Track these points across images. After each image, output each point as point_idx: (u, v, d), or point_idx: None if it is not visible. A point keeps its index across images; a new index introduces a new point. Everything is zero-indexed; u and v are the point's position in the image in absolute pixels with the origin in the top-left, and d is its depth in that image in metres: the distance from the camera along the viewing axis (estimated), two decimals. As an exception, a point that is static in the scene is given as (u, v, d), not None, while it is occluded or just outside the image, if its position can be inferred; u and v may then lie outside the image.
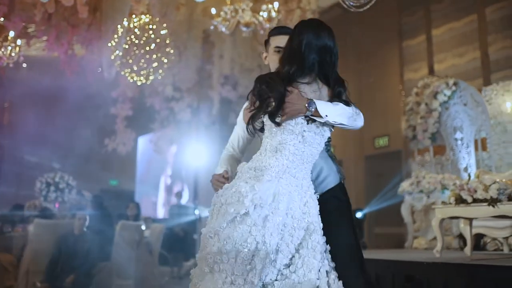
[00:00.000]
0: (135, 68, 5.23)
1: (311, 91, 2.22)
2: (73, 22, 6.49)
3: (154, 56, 5.20)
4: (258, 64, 7.91)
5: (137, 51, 5.17)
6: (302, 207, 2.16)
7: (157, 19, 5.47)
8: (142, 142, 12.52)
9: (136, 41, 5.12)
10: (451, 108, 7.39)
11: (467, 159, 7.20)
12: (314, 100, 2.16)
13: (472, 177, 5.01)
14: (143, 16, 5.36)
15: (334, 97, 2.26)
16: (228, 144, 2.72)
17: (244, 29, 5.55)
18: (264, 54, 2.65)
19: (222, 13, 5.69)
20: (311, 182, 2.26)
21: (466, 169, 7.15)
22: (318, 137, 2.22)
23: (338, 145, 11.42)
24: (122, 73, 5.43)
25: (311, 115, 2.16)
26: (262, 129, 2.29)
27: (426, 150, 7.83)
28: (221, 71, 8.06)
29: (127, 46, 5.19)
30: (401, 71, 10.55)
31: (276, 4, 5.56)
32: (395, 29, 10.72)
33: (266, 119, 2.22)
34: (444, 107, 7.41)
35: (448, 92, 7.34)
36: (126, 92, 8.18)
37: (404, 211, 7.35)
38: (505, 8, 8.97)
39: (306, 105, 2.14)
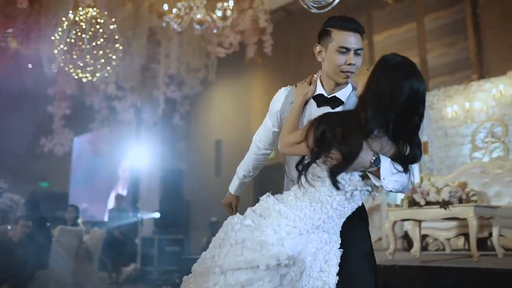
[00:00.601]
0: (81, 64, 4.92)
1: (380, 144, 1.86)
2: (9, 13, 6.04)
3: (101, 52, 4.92)
4: (205, 64, 7.75)
5: (83, 46, 4.86)
6: (322, 265, 1.94)
7: (106, 13, 5.19)
8: (79, 142, 11.98)
9: (82, 36, 4.82)
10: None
11: (410, 162, 7.39)
12: (381, 156, 1.81)
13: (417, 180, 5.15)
14: (90, 9, 5.05)
15: (403, 159, 1.86)
16: (256, 137, 2.45)
17: (197, 27, 5.38)
18: (318, 48, 2.17)
19: (175, 9, 5.49)
20: (339, 237, 2.00)
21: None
22: (363, 194, 1.92)
23: (277, 148, 11.50)
24: (66, 69, 5.10)
25: (369, 172, 1.83)
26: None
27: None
28: (167, 70, 7.80)
29: (72, 40, 4.87)
30: (345, 77, 10.73)
31: (231, 3, 5.44)
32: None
33: (319, 169, 1.88)
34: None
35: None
36: (64, 89, 7.73)
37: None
38: (443, 17, 9.36)
39: (372, 159, 1.79)
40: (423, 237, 6.18)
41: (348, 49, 2.07)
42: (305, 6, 3.94)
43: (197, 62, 7.37)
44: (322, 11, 3.95)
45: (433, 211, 4.51)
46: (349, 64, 2.06)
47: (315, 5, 3.87)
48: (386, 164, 1.79)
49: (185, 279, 2.01)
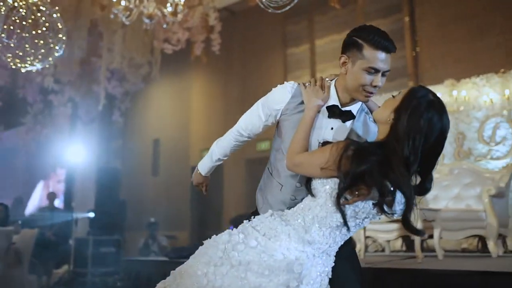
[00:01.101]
0: (20, 53, 4.59)
1: None
2: None
3: (42, 42, 4.62)
4: (148, 60, 7.55)
5: (22, 34, 4.54)
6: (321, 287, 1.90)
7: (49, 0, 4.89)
8: (8, 136, 11.30)
9: (22, 23, 4.50)
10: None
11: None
12: None
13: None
14: (30, -5, 4.76)
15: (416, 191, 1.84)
16: (240, 124, 2.30)
17: (146, 21, 5.20)
18: (344, 59, 2.03)
19: (124, 1, 5.28)
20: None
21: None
22: (370, 219, 1.91)
23: (219, 147, 11.43)
24: (4, 58, 4.74)
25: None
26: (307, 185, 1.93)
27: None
28: (109, 64, 7.52)
29: (11, 27, 4.53)
30: (285, 78, 10.83)
31: (182, -2, 5.34)
32: (280, 36, 10.99)
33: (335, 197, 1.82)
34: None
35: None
36: (-6, 80, 7.24)
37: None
38: (382, 26, 9.56)
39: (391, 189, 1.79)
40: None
41: (377, 71, 1.95)
42: (262, 6, 3.90)
43: (140, 58, 7.15)
44: (279, 11, 3.93)
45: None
46: (375, 86, 1.97)
47: (272, 5, 3.83)
48: (398, 193, 1.78)
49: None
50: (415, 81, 8.97)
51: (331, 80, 2.13)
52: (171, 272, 2.06)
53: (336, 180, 1.80)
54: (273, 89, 2.19)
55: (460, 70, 8.28)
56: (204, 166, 2.49)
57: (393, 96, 1.87)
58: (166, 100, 12.15)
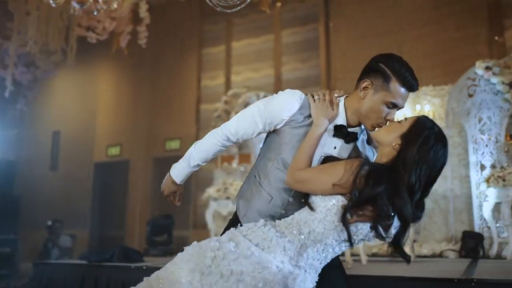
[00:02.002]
0: None
1: None
2: None
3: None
4: (62, 48, 7.02)
5: None
6: None
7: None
8: None
9: None
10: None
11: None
12: None
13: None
14: None
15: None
16: (229, 128, 2.12)
17: (76, 5, 4.79)
18: (366, 84, 1.94)
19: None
20: None
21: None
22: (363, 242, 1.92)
23: (125, 144, 11.00)
24: None
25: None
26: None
27: (230, 158, 8.02)
28: (17, 48, 6.83)
29: None
30: (199, 77, 10.70)
31: (118, -14, 5.01)
32: (197, 35, 10.83)
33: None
34: (252, 118, 7.74)
35: (258, 104, 7.69)
36: None
37: (209, 217, 7.41)
38: (299, 33, 9.93)
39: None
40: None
41: (396, 106, 1.92)
42: (211, 4, 3.78)
43: (53, 44, 6.60)
44: (228, 11, 3.84)
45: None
46: (388, 120, 1.92)
47: (221, 3, 3.74)
48: (395, 218, 1.80)
49: None
50: (328, 90, 9.30)
51: (339, 97, 2.05)
52: (145, 278, 1.94)
53: (340, 197, 1.77)
54: (277, 96, 2.06)
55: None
56: (179, 173, 2.25)
57: (399, 121, 1.88)
58: (73, 90, 11.46)
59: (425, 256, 6.12)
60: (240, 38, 10.49)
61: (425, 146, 1.78)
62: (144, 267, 4.70)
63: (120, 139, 11.10)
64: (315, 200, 1.83)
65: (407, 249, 5.29)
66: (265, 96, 7.86)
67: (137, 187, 10.70)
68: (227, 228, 2.16)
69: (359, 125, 2.03)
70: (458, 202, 6.51)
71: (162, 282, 1.83)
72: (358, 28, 9.31)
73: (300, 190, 1.89)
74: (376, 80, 1.91)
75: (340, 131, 2.00)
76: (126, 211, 10.67)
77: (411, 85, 1.90)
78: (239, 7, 3.81)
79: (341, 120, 2.00)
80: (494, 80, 6.20)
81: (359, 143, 2.07)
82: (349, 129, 2.01)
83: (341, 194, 1.77)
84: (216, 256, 1.76)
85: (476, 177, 6.20)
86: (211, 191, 7.35)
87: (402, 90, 1.89)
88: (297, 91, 2.05)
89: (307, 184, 1.84)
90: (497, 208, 5.86)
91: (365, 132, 2.09)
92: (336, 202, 1.78)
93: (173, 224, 6.80)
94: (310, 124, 1.97)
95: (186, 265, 1.80)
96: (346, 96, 2.06)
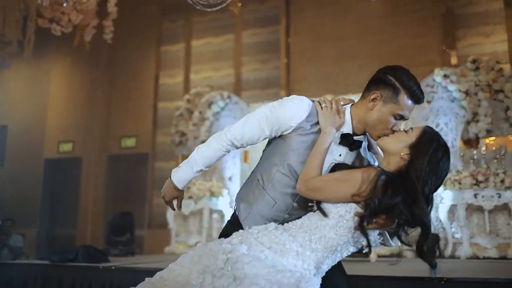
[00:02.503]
0: None
1: None
2: None
3: None
4: (19, 39, 6.74)
5: None
6: None
7: None
8: None
9: None
10: (222, 119, 7.77)
11: (233, 169, 7.66)
12: None
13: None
14: None
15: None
16: (234, 133, 2.09)
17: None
18: (375, 96, 1.97)
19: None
20: None
21: (230, 178, 7.60)
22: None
23: (78, 141, 10.70)
24: None
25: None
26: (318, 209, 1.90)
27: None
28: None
29: None
30: (157, 75, 10.56)
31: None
32: (156, 32, 10.69)
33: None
34: (216, 117, 7.73)
35: (222, 104, 7.71)
36: None
37: (170, 217, 7.33)
38: (260, 34, 9.99)
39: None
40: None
41: (402, 118, 1.97)
42: (191, 2, 3.76)
43: (12, 35, 6.30)
44: (208, 9, 3.83)
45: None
46: (394, 130, 1.97)
47: (201, 2, 3.72)
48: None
49: None
50: (286, 92, 9.43)
51: (344, 105, 2.07)
52: (147, 279, 1.92)
53: (352, 205, 1.81)
54: (284, 102, 2.05)
55: (329, 86, 8.94)
56: (181, 178, 2.18)
57: (405, 131, 1.94)
58: (26, 84, 11.01)
59: (384, 256, 6.32)
60: (200, 36, 10.44)
61: (435, 158, 1.85)
62: (113, 267, 4.61)
63: (73, 136, 10.78)
64: (326, 206, 1.86)
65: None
66: (229, 97, 7.95)
67: (90, 185, 10.42)
68: (228, 229, 2.15)
69: (363, 133, 2.07)
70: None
71: (168, 283, 1.82)
72: (318, 31, 9.48)
73: (312, 198, 1.90)
74: (385, 92, 1.95)
75: (346, 139, 2.03)
76: (78, 209, 10.36)
77: (419, 98, 1.97)
78: (220, 6, 3.79)
79: (347, 128, 2.04)
80: (451, 87, 6.50)
81: (361, 150, 2.12)
82: (355, 138, 2.05)
83: (355, 202, 1.81)
84: (229, 258, 1.76)
85: (433, 179, 6.46)
86: (173, 190, 7.24)
87: (410, 102, 1.95)
88: (305, 98, 2.06)
89: (321, 192, 1.86)
90: (452, 210, 6.13)
91: (365, 138, 2.14)
92: (349, 209, 1.82)
93: (134, 223, 6.69)
94: (318, 132, 1.99)
95: (195, 267, 1.79)
96: (352, 105, 2.09)
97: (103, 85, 10.66)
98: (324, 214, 1.84)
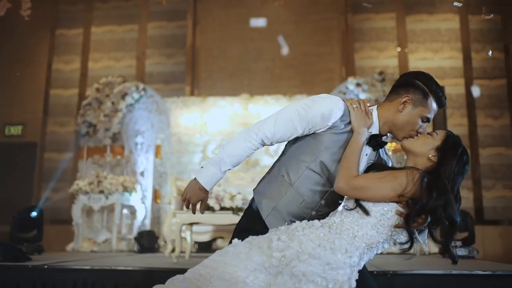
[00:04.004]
0: None
1: None
2: None
3: None
4: None
5: None
6: None
7: None
8: None
9: None
10: (135, 111, 7.51)
11: (145, 163, 7.45)
12: None
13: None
14: None
15: None
16: (265, 132, 2.07)
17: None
18: (406, 99, 2.06)
19: None
20: None
21: (143, 173, 7.38)
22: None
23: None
24: None
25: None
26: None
27: (101, 150, 7.52)
28: None
29: None
30: (50, 60, 9.83)
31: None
32: (51, 13, 9.93)
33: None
34: (129, 109, 7.45)
35: (136, 96, 7.45)
36: None
37: (76, 212, 6.89)
38: (166, 28, 9.82)
39: None
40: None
41: (428, 121, 2.09)
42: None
43: None
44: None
45: (229, 217, 4.78)
46: (418, 132, 2.08)
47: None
48: None
49: None
50: (191, 88, 9.40)
51: (371, 106, 2.15)
52: (179, 276, 1.87)
53: (393, 204, 1.90)
54: (318, 101, 2.08)
55: (233, 85, 9.08)
56: (208, 179, 2.10)
57: (430, 134, 2.08)
58: None
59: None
60: (100, 23, 9.94)
61: (462, 161, 2.00)
62: (46, 266, 4.25)
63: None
64: (366, 205, 1.93)
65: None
66: (144, 89, 7.70)
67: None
68: (246, 226, 2.16)
69: (386, 134, 2.16)
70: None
71: (214, 281, 1.79)
72: (225, 31, 9.60)
73: (354, 196, 1.94)
74: (415, 95, 2.05)
75: (375, 140, 2.11)
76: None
77: (443, 103, 2.11)
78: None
79: (374, 129, 2.11)
80: (362, 96, 7.04)
81: (380, 150, 2.23)
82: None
83: (397, 202, 1.92)
84: (285, 256, 1.77)
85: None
86: (81, 183, 6.84)
87: (436, 106, 2.08)
88: (338, 98, 2.13)
89: (366, 191, 1.91)
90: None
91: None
92: (391, 208, 1.91)
93: (42, 217, 6.20)
94: (350, 131, 2.05)
95: (244, 264, 1.79)
96: (377, 106, 2.18)
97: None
98: (366, 212, 1.90)
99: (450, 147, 2.02)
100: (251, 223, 2.15)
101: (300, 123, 2.05)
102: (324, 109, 2.04)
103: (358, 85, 6.96)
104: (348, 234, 1.88)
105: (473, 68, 8.90)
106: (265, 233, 1.99)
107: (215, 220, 4.90)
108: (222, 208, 4.82)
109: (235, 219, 4.75)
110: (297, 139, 2.17)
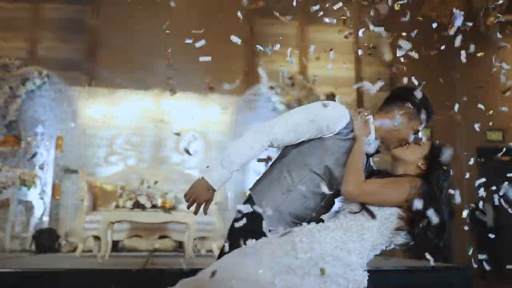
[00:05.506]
0: None
1: None
2: None
3: None
4: None
5: None
6: None
7: None
8: None
9: None
10: (37, 99, 6.91)
11: (46, 156, 6.87)
12: None
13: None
14: None
15: None
16: (275, 134, 2.09)
17: None
18: (404, 111, 2.20)
19: None
20: None
21: (42, 166, 6.81)
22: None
23: None
24: None
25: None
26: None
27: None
28: None
29: None
30: None
31: None
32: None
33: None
34: (29, 96, 6.83)
35: (39, 82, 6.86)
36: None
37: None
38: (63, 11, 9.15)
39: None
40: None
41: (418, 133, 2.24)
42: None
43: None
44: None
45: (161, 215, 4.63)
46: (407, 142, 2.23)
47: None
48: None
49: None
50: (88, 78, 8.84)
51: (367, 116, 2.25)
52: (193, 278, 1.86)
53: (395, 209, 2.02)
54: (326, 109, 2.16)
55: (134, 79, 8.72)
56: (218, 179, 2.12)
57: (417, 144, 2.24)
58: None
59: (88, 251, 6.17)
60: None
61: (448, 172, 2.19)
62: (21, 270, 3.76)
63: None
64: (372, 208, 2.03)
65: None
66: (47, 75, 7.05)
67: None
68: (245, 226, 2.13)
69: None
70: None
71: (237, 284, 1.77)
72: (129, 24, 9.14)
73: (362, 201, 2.03)
74: (412, 110, 2.20)
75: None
76: None
77: (431, 118, 2.28)
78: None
79: (371, 138, 2.23)
80: (274, 98, 7.23)
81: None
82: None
83: (399, 206, 2.05)
84: (312, 257, 1.82)
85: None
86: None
87: (426, 120, 2.25)
88: (344, 107, 2.22)
89: (375, 196, 2.02)
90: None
91: None
92: (394, 212, 2.03)
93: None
94: (353, 138, 2.16)
95: (269, 265, 1.81)
96: (373, 116, 2.29)
97: None
98: (373, 216, 2.00)
99: (436, 156, 2.19)
100: (251, 224, 2.13)
101: (308, 129, 2.13)
102: (333, 116, 2.14)
103: (271, 88, 7.13)
104: (358, 236, 1.97)
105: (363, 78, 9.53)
106: (265, 234, 2.02)
107: (146, 219, 4.70)
108: (154, 206, 4.64)
109: (166, 217, 4.63)
110: (300, 142, 2.22)
